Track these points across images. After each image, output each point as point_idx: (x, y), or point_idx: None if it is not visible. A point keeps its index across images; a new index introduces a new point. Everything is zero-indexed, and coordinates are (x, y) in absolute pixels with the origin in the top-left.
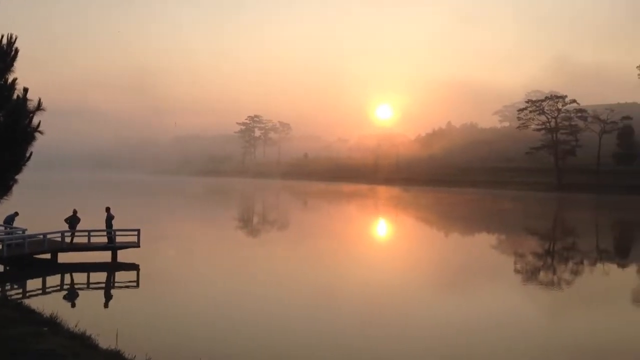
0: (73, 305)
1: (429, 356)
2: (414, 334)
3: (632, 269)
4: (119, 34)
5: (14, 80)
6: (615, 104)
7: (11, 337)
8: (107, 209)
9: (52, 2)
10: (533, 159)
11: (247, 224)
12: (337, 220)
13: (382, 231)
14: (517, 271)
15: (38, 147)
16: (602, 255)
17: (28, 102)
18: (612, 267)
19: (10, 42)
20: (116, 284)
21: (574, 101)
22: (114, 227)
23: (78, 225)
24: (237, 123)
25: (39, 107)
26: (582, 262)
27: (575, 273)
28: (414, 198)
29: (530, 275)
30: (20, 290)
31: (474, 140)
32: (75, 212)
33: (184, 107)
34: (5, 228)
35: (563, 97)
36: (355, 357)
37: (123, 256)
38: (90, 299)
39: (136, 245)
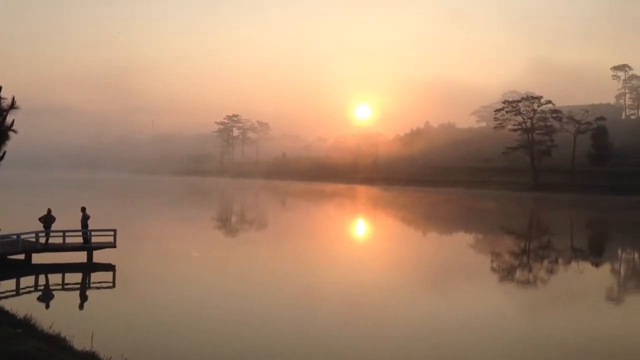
0: (47, 307)
1: (409, 355)
2: (394, 334)
3: (605, 267)
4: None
5: None
6: (590, 105)
7: None
8: (83, 209)
9: None
10: (509, 159)
11: (226, 223)
12: (316, 220)
13: (361, 231)
14: (494, 270)
15: (14, 145)
16: (577, 254)
17: (2, 101)
18: (586, 266)
19: None
20: (92, 285)
21: (549, 102)
22: (90, 227)
23: (53, 225)
24: (216, 122)
25: (12, 105)
26: (557, 261)
27: (551, 272)
28: (392, 198)
29: (507, 274)
30: None
31: (452, 140)
32: (49, 211)
33: (162, 106)
34: None
35: (539, 98)
36: (336, 356)
37: (99, 257)
38: (65, 300)
39: (112, 245)
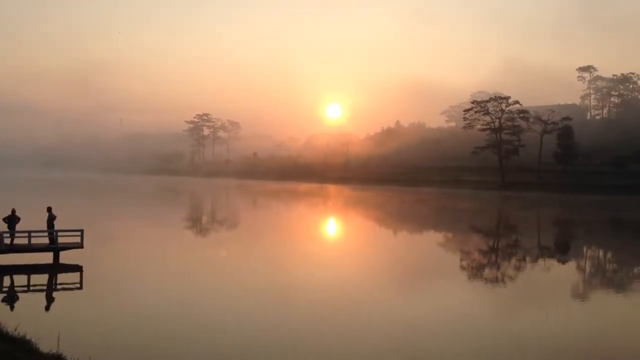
0: (12, 309)
1: (382, 353)
2: (365, 333)
3: (571, 264)
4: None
5: None
6: (556, 105)
7: None
8: (49, 209)
9: None
10: (478, 158)
11: (196, 223)
12: (288, 220)
13: (333, 230)
14: (463, 268)
15: None
16: (543, 252)
17: None
18: (553, 263)
19: None
20: (58, 286)
21: (516, 102)
22: (56, 228)
23: (18, 226)
24: (186, 121)
25: None
26: (524, 259)
27: (519, 269)
28: (363, 197)
29: (476, 272)
30: None
31: (423, 139)
32: (13, 211)
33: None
34: None
35: (506, 98)
36: (307, 354)
37: (66, 257)
38: (31, 302)
39: (79, 246)
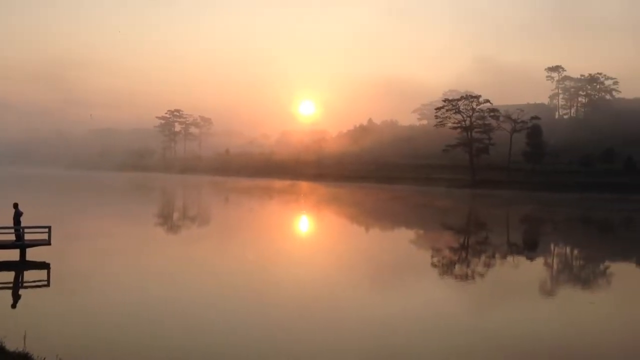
0: None
1: (355, 349)
2: (338, 331)
3: (539, 261)
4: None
5: None
6: (525, 104)
7: None
8: (15, 205)
9: None
10: (449, 156)
11: (167, 221)
12: (259, 217)
13: (306, 228)
14: (434, 265)
15: None
16: (512, 249)
17: None
18: (521, 260)
19: None
20: (25, 284)
21: (487, 101)
22: (23, 224)
23: None
24: (157, 117)
25: None
26: (494, 256)
27: (488, 266)
28: (335, 194)
29: (448, 269)
30: None
31: (395, 137)
32: None
33: (100, 100)
34: None
35: (477, 97)
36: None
37: (33, 254)
38: None
39: (47, 243)
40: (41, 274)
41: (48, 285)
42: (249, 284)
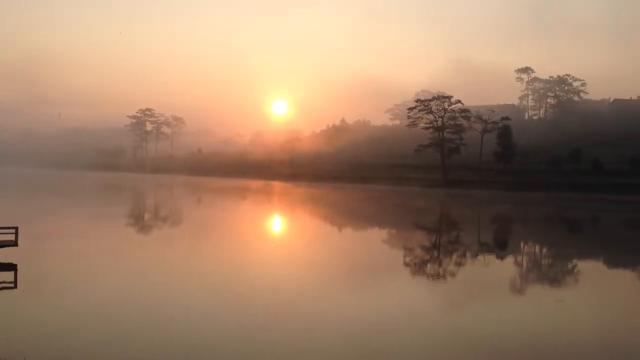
0: None
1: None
2: (312, 332)
3: (509, 260)
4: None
5: None
6: (496, 105)
7: None
8: None
9: None
10: (422, 156)
11: (138, 221)
12: (232, 218)
13: (278, 228)
14: (407, 264)
15: None
16: (483, 248)
17: None
18: (492, 259)
19: None
20: None
21: (458, 101)
22: None
23: None
24: (128, 116)
25: None
26: (466, 255)
27: (460, 265)
28: (308, 194)
29: (419, 268)
30: None
31: (367, 137)
32: None
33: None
34: None
35: (449, 98)
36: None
37: None
38: None
39: (14, 244)
40: (8, 276)
41: (15, 287)
42: (223, 284)
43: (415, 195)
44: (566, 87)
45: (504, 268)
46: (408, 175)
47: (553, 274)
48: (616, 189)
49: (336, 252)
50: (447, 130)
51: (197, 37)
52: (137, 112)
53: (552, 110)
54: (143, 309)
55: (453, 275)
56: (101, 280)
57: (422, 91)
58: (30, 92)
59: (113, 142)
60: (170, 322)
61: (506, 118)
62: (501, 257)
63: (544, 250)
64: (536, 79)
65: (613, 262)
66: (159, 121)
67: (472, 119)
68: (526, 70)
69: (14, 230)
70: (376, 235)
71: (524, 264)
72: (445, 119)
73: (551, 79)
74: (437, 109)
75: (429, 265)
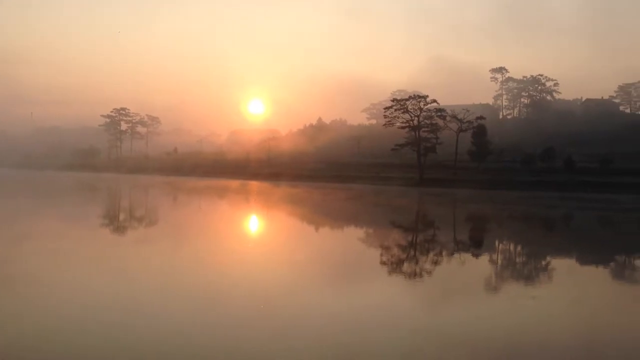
0: None
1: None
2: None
3: (484, 258)
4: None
5: None
6: (471, 105)
7: None
8: None
9: None
10: (398, 155)
11: (113, 221)
12: (210, 218)
13: (257, 228)
14: (384, 263)
15: None
16: (459, 246)
17: None
18: (468, 257)
19: None
20: None
21: (434, 101)
22: None
23: None
24: (102, 115)
25: None
26: (442, 253)
27: (438, 263)
28: (286, 193)
29: (396, 267)
30: None
31: (344, 136)
32: None
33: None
34: None
35: (425, 97)
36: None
37: None
38: None
39: None
40: None
41: None
42: (200, 283)
43: (393, 194)
44: (539, 87)
45: (480, 266)
46: (385, 174)
47: (527, 272)
48: (588, 187)
49: (315, 251)
50: (423, 129)
51: (173, 36)
52: (111, 112)
53: (525, 110)
54: (118, 309)
55: (430, 273)
56: (72, 280)
57: (398, 91)
58: (7, 91)
59: (87, 142)
60: (146, 322)
61: (481, 117)
62: (477, 255)
63: (519, 247)
64: (510, 79)
65: (586, 259)
66: (134, 120)
67: (448, 118)
68: (500, 70)
69: None
70: (355, 234)
71: (499, 261)
72: (421, 119)
73: (525, 78)
74: (413, 109)
75: (406, 264)
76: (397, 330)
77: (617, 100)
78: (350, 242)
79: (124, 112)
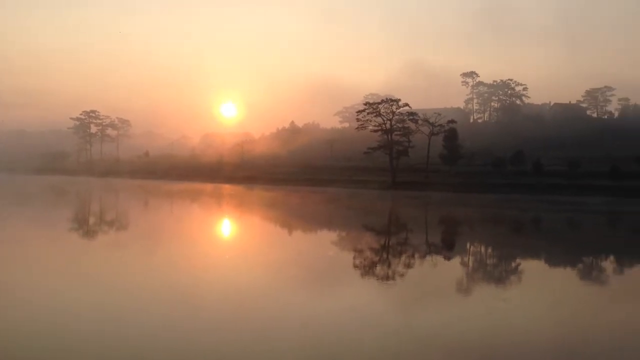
0: None
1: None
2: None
3: (455, 260)
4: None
5: None
6: (442, 108)
7: None
8: None
9: None
10: (371, 158)
11: (82, 225)
12: (184, 222)
13: (227, 230)
14: (356, 267)
15: None
16: (432, 249)
17: None
18: (439, 259)
19: None
20: None
21: (406, 105)
22: None
23: None
24: (71, 118)
25: None
26: (415, 256)
27: (410, 266)
28: (258, 197)
29: (369, 269)
30: None
31: (317, 139)
32: None
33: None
34: None
35: (397, 101)
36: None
37: None
38: None
39: None
40: None
41: None
42: (171, 287)
43: (365, 197)
44: (509, 91)
45: (451, 268)
46: (358, 178)
47: (497, 274)
48: (556, 190)
49: (291, 254)
50: (396, 133)
51: (144, 38)
52: (80, 114)
53: (496, 114)
54: (87, 313)
55: (402, 276)
56: (40, 285)
57: (370, 94)
58: None
59: (56, 145)
60: (119, 326)
61: (452, 121)
62: (448, 258)
63: (489, 250)
64: (481, 83)
65: (556, 261)
66: (104, 123)
67: (420, 121)
68: (471, 74)
69: None
70: (330, 237)
71: (470, 264)
72: (393, 122)
73: (495, 83)
74: (386, 112)
75: (379, 267)
76: (375, 332)
77: (584, 105)
78: (325, 245)
79: (93, 115)
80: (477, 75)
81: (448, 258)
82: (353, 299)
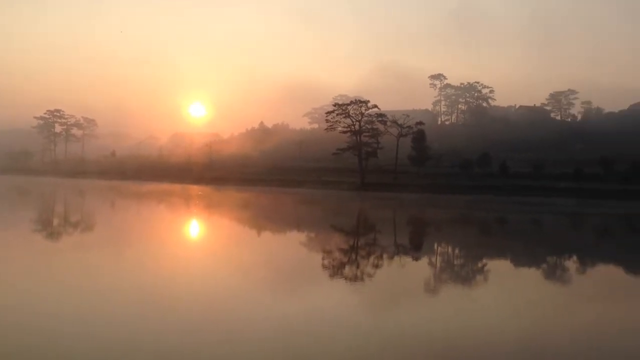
0: None
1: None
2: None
3: (424, 260)
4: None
5: None
6: (411, 110)
7: None
8: None
9: None
10: (340, 159)
11: (46, 227)
12: (150, 223)
13: (195, 232)
14: (325, 267)
15: None
16: (400, 249)
17: None
18: (408, 260)
19: None
20: None
21: (375, 106)
22: None
23: None
24: (35, 117)
25: None
26: (383, 256)
27: (379, 266)
28: (226, 198)
29: (338, 270)
30: None
31: (286, 140)
32: None
33: None
34: None
35: (366, 102)
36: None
37: None
38: None
39: None
40: None
41: None
42: (140, 289)
43: (335, 198)
44: (476, 94)
45: (421, 269)
46: (327, 179)
47: (465, 274)
48: (522, 191)
49: (258, 256)
50: (365, 134)
51: (111, 35)
52: (44, 113)
53: (463, 116)
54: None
55: (370, 276)
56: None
57: (339, 95)
58: None
59: (18, 145)
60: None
61: (420, 123)
62: (417, 259)
63: (457, 250)
64: (448, 85)
65: (523, 261)
66: (69, 122)
67: (389, 123)
68: (439, 76)
69: None
70: (297, 239)
71: (438, 264)
72: (362, 123)
73: (462, 85)
74: (355, 113)
75: (347, 268)
76: (343, 332)
77: (548, 108)
78: (294, 246)
79: (58, 114)
80: (445, 78)
81: (416, 259)
82: (322, 300)
